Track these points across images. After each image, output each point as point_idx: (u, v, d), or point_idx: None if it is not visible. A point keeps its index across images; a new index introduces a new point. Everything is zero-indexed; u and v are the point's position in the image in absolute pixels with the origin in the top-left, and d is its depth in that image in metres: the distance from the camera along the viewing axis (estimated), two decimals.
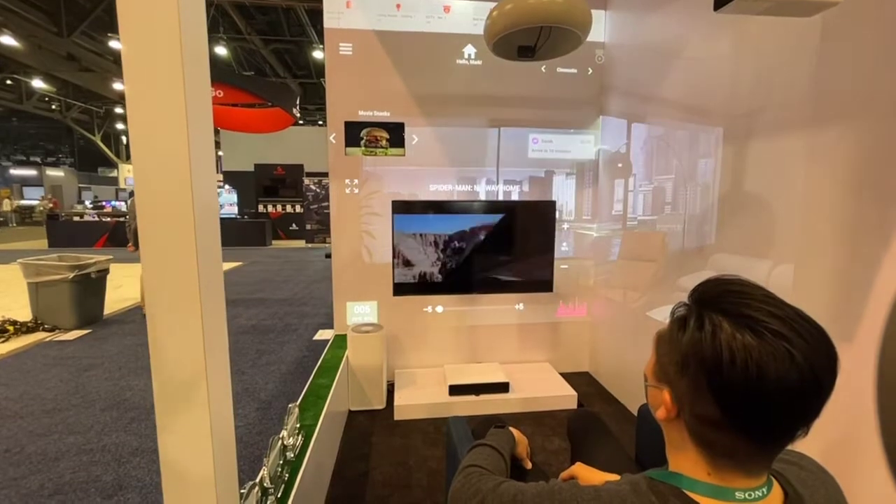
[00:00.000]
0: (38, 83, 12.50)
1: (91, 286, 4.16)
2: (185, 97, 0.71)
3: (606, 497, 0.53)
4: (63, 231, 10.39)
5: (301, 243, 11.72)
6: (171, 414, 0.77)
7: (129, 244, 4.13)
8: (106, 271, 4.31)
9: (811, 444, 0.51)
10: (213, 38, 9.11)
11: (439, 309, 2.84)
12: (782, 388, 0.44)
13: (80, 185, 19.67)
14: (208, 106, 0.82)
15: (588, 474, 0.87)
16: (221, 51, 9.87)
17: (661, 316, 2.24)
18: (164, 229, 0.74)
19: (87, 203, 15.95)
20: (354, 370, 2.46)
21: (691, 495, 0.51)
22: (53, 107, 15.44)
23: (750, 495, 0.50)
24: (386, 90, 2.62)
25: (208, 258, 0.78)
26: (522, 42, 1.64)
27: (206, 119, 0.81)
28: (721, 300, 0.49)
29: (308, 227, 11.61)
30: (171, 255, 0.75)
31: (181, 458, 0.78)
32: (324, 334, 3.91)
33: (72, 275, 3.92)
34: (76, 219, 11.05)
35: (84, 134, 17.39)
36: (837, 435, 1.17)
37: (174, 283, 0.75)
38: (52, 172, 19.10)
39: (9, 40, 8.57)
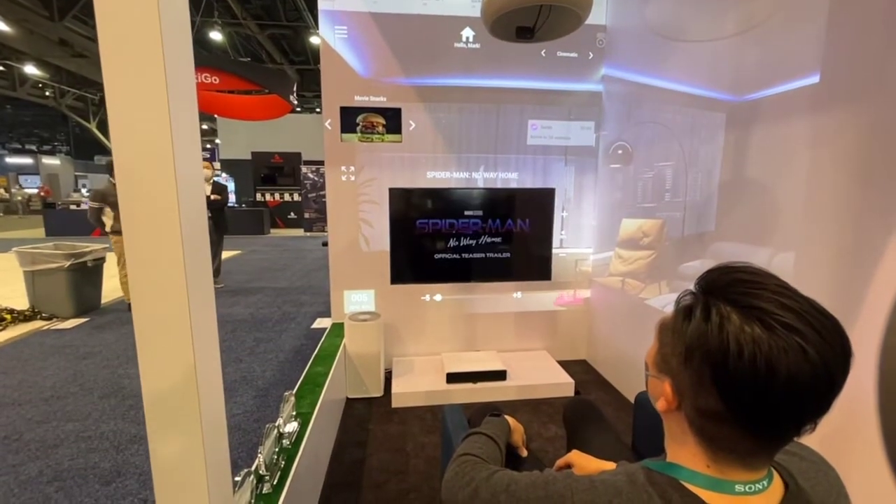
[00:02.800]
0: (31, 69, 12.31)
1: (87, 275, 4.14)
2: (166, 82, 0.68)
3: (602, 488, 0.52)
4: (60, 219, 10.32)
5: (299, 232, 11.69)
6: (160, 403, 0.76)
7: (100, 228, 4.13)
8: (102, 260, 4.29)
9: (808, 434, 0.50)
10: (207, 24, 8.94)
11: (437, 297, 2.83)
12: (793, 384, 0.42)
13: (77, 174, 19.50)
14: (192, 88, 0.79)
15: (584, 462, 0.86)
16: (216, 36, 9.70)
17: (660, 304, 2.23)
18: (148, 219, 0.71)
19: (84, 192, 15.84)
20: (352, 358, 2.45)
21: (689, 487, 0.50)
22: (47, 94, 15.22)
23: (750, 488, 0.48)
24: (382, 74, 2.57)
25: (194, 247, 0.76)
26: (521, 22, 1.59)
27: (190, 102, 0.78)
28: (730, 289, 0.47)
29: (306, 215, 11.56)
30: (155, 246, 0.72)
31: (171, 448, 0.77)
32: (322, 322, 3.91)
33: (68, 263, 3.90)
34: (73, 207, 10.98)
35: (79, 121, 17.20)
36: (833, 425, 1.16)
37: (159, 273, 0.73)
38: (47, 161, 18.91)
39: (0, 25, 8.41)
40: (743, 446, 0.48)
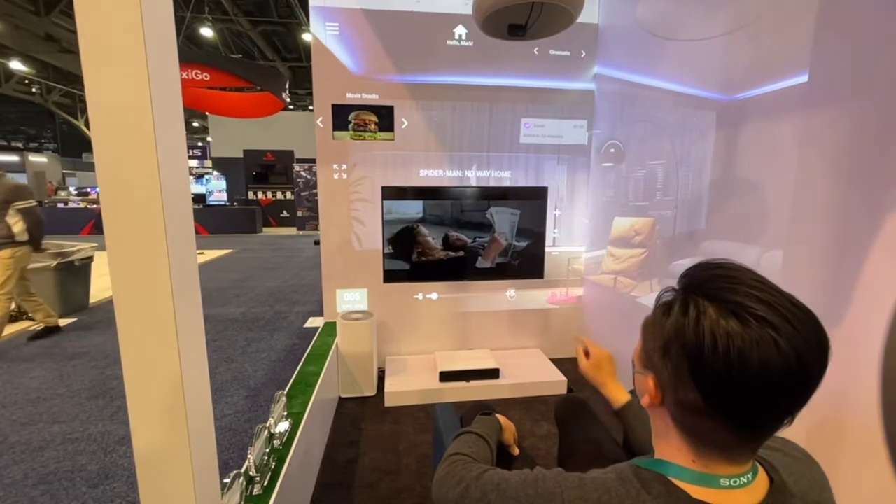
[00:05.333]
0: (16, 65, 12.06)
1: (75, 274, 4.08)
2: (148, 77, 0.66)
3: (591, 485, 0.52)
4: (47, 218, 10.12)
5: (292, 230, 11.61)
6: (144, 404, 0.75)
7: None
8: (90, 259, 4.22)
9: (798, 426, 0.50)
10: (198, 20, 8.84)
11: (432, 296, 2.82)
12: (765, 376, 0.42)
13: (65, 171, 19.20)
14: (176, 84, 0.77)
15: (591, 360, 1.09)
16: (207, 32, 9.60)
17: (651, 302, 2.24)
18: (130, 219, 0.70)
19: (72, 189, 15.59)
20: (344, 357, 2.44)
21: (676, 482, 0.50)
22: (34, 90, 14.95)
23: (734, 482, 0.49)
24: (374, 72, 2.55)
25: (180, 246, 0.75)
26: (513, 20, 1.59)
27: (175, 99, 0.76)
28: (708, 285, 0.47)
29: (299, 213, 11.48)
30: (138, 245, 0.70)
31: (155, 450, 0.75)
32: (314, 322, 3.88)
33: (55, 263, 3.84)
34: (60, 206, 10.80)
35: (67, 118, 16.93)
36: (834, 423, 1.17)
37: (143, 273, 0.71)
38: (34, 158, 18.55)
39: None
40: (724, 439, 0.48)
